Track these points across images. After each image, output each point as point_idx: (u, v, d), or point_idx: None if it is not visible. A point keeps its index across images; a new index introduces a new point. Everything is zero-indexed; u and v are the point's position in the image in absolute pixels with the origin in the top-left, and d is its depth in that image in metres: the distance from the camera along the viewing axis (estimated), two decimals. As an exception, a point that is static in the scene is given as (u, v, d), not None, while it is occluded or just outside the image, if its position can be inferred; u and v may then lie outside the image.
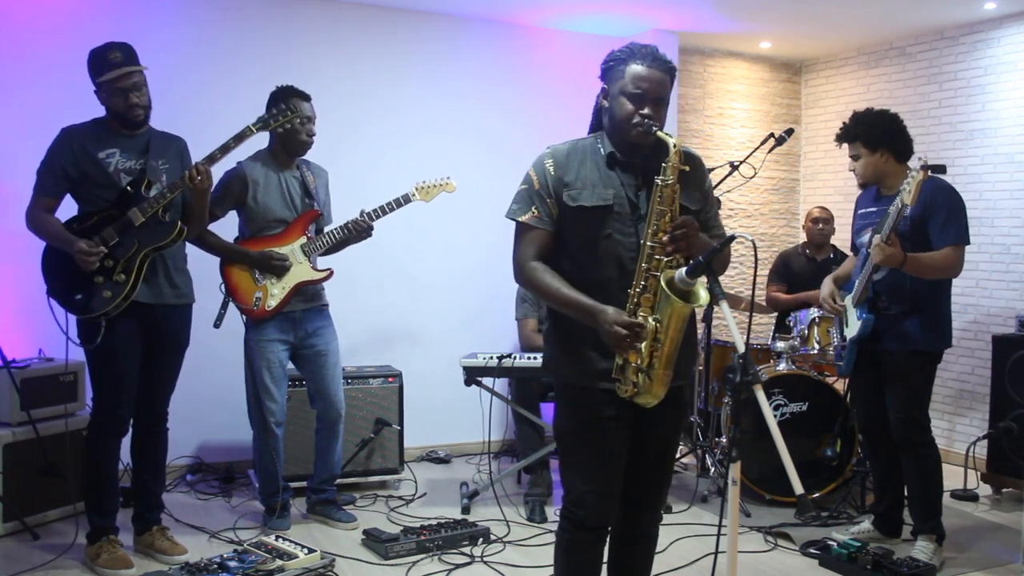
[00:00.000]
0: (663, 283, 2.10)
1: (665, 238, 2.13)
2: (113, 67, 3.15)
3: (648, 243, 2.17)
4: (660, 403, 2.23)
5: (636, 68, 2.22)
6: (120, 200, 3.20)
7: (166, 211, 3.24)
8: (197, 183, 3.20)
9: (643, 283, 2.17)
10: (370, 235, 3.81)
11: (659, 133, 2.18)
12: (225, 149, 3.26)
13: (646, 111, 2.21)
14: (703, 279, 2.14)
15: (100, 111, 3.29)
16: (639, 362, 2.14)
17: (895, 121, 3.53)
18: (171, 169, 3.33)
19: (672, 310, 2.10)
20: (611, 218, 2.25)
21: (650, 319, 2.12)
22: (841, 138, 3.63)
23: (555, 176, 2.28)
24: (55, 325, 3.20)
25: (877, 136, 3.49)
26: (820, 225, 5.06)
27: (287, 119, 3.40)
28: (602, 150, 2.31)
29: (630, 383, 2.18)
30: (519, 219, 2.30)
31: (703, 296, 2.09)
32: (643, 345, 2.12)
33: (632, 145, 2.26)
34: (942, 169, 3.36)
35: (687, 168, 2.22)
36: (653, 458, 2.41)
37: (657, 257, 2.15)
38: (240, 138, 3.30)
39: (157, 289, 3.28)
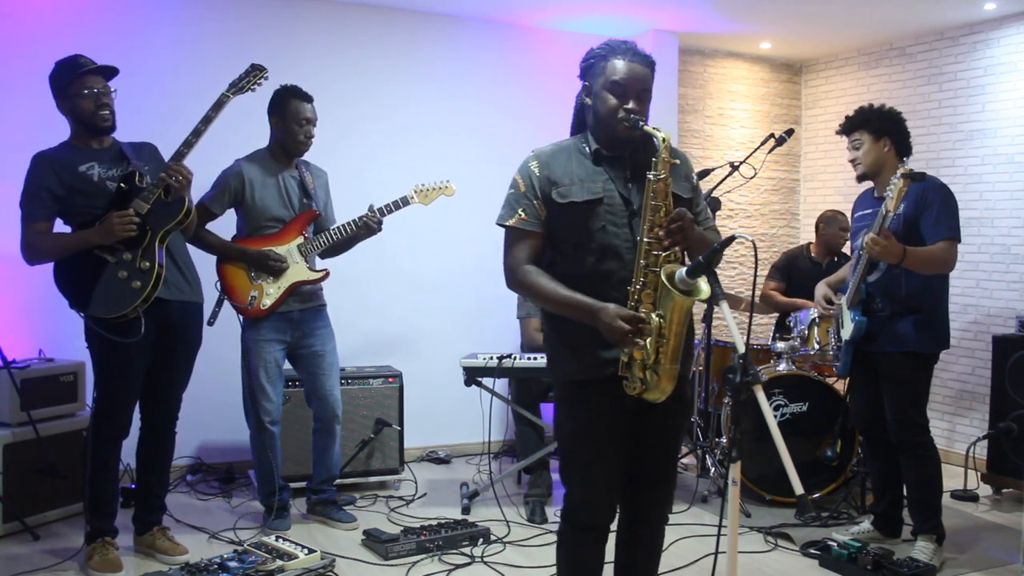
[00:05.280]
0: (663, 277, 2.10)
1: (661, 232, 2.13)
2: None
3: (645, 239, 2.16)
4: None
5: (618, 63, 2.21)
6: (118, 199, 3.18)
7: (168, 194, 3.20)
8: (176, 182, 3.16)
9: (642, 279, 2.16)
10: (380, 230, 3.79)
11: (646, 127, 2.17)
12: (207, 120, 3.24)
13: (631, 105, 2.20)
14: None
15: None
16: (645, 359, 2.13)
17: (899, 115, 3.58)
18: (151, 171, 3.32)
19: (674, 304, 2.09)
20: (603, 211, 2.24)
21: (653, 315, 2.11)
22: (845, 128, 3.62)
23: (540, 176, 2.26)
24: (55, 325, 3.20)
25: (882, 124, 3.51)
26: (841, 231, 4.88)
27: (259, 76, 3.39)
28: (587, 148, 2.30)
29: (637, 380, 2.17)
30: (506, 223, 2.29)
31: (704, 289, 2.08)
32: (648, 341, 2.10)
33: (618, 140, 2.25)
34: (921, 177, 3.36)
35: (677, 161, 2.23)
36: (657, 457, 2.40)
37: (655, 252, 2.15)
38: (219, 106, 3.28)
39: (175, 285, 3.29)
